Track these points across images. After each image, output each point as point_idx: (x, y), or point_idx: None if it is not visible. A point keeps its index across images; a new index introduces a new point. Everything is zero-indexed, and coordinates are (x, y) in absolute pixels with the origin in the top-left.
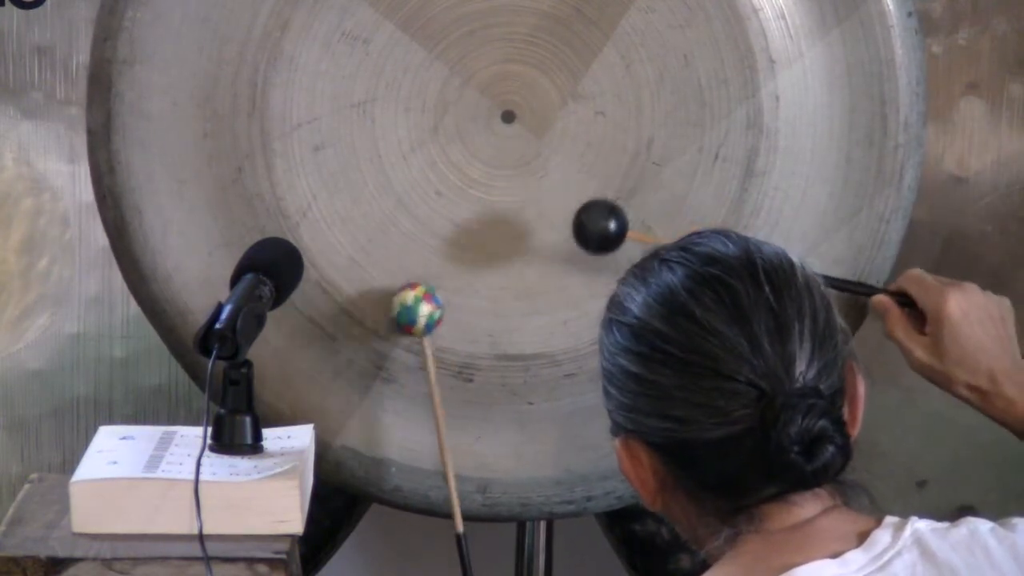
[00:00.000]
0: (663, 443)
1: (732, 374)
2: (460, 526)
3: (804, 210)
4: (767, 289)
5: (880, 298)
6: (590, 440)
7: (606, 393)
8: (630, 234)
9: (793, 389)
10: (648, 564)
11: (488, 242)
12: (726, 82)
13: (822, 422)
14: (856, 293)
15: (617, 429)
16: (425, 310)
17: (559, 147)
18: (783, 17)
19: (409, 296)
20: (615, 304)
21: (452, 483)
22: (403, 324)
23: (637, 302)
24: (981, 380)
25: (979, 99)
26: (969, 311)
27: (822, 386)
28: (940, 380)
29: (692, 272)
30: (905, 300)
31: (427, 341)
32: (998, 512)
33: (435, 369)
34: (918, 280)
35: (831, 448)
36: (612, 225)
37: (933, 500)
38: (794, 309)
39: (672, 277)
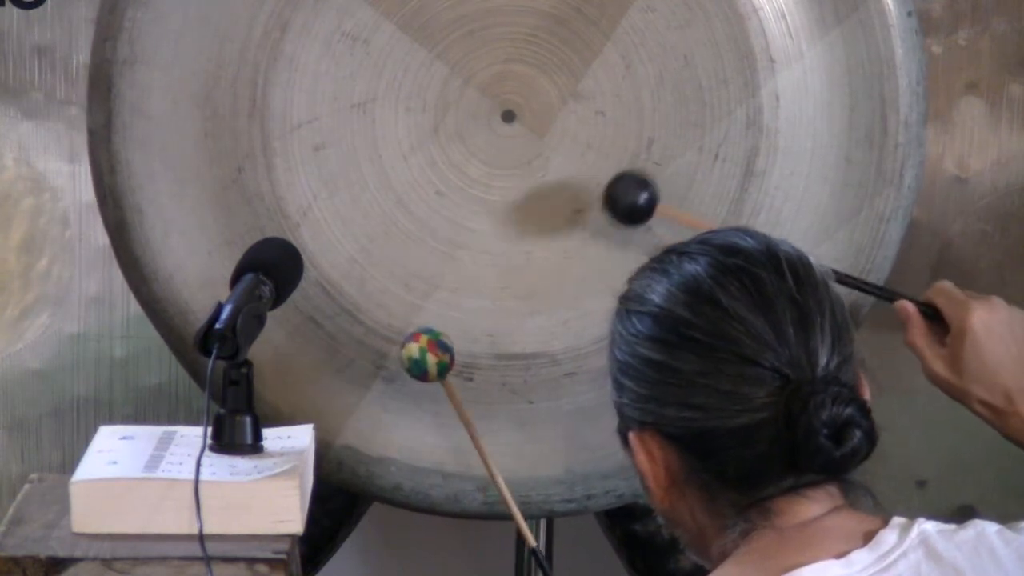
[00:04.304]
0: (681, 434)
1: (757, 359)
2: (532, 541)
3: (804, 210)
4: (790, 280)
5: (902, 303)
6: (591, 439)
7: (618, 387)
8: (660, 207)
9: (818, 377)
10: (648, 564)
11: (488, 241)
12: (726, 82)
13: (849, 409)
14: (880, 296)
15: (629, 423)
16: (432, 360)
17: (559, 147)
18: (783, 17)
19: (414, 349)
20: (632, 297)
21: (513, 506)
22: (417, 376)
23: (659, 292)
24: (997, 398)
25: (979, 99)
26: (993, 327)
27: (842, 378)
28: (956, 394)
29: (715, 262)
30: (931, 312)
31: (448, 383)
32: (998, 512)
33: (463, 405)
34: (946, 292)
35: (859, 433)
36: (643, 197)
37: (933, 500)
38: (815, 302)
39: (695, 267)
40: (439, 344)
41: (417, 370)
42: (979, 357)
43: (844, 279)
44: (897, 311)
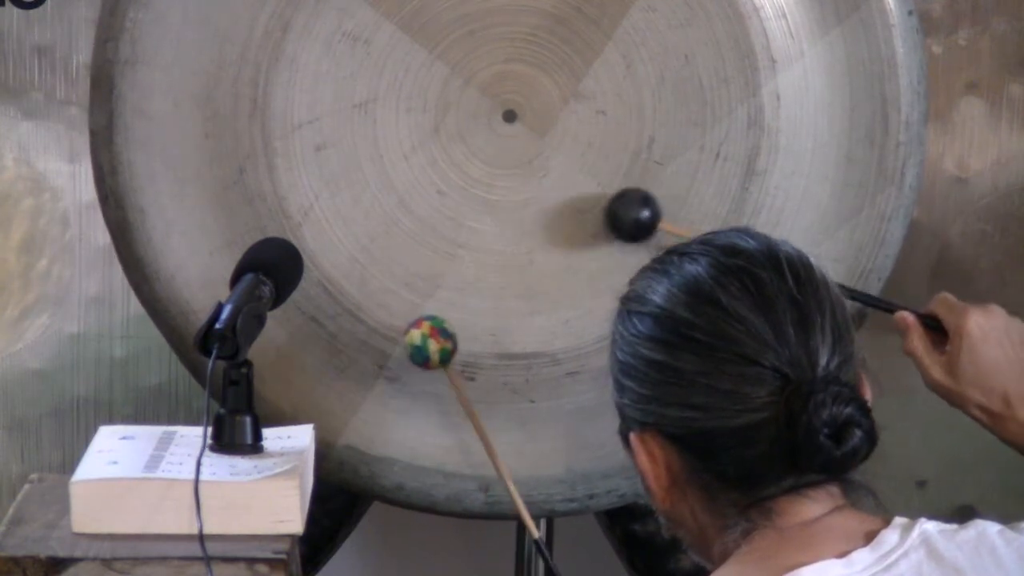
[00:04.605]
0: (683, 434)
1: (757, 359)
2: (536, 533)
3: (805, 209)
4: (791, 281)
5: (902, 314)
6: (592, 438)
7: (619, 387)
8: (663, 225)
9: (818, 376)
10: (648, 564)
11: (489, 241)
12: (727, 81)
13: (849, 408)
14: (881, 309)
15: (630, 424)
16: (434, 347)
17: (560, 146)
18: (784, 16)
19: (416, 336)
20: (633, 297)
21: (515, 494)
22: (418, 363)
23: (660, 292)
24: (995, 402)
25: (979, 99)
26: (989, 332)
27: (843, 378)
28: (954, 399)
29: (716, 262)
30: (932, 323)
31: (451, 371)
32: (998, 512)
33: (465, 392)
34: (944, 301)
35: (859, 433)
36: (646, 213)
37: (933, 500)
38: (815, 302)
39: (696, 268)
40: (441, 331)
41: (419, 357)
42: (975, 361)
43: (845, 292)
44: (896, 322)
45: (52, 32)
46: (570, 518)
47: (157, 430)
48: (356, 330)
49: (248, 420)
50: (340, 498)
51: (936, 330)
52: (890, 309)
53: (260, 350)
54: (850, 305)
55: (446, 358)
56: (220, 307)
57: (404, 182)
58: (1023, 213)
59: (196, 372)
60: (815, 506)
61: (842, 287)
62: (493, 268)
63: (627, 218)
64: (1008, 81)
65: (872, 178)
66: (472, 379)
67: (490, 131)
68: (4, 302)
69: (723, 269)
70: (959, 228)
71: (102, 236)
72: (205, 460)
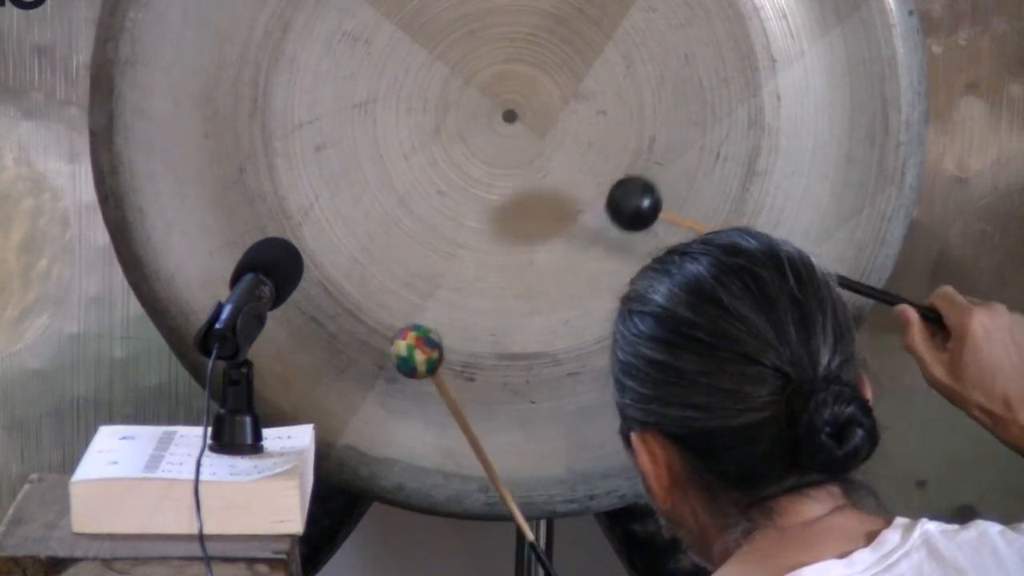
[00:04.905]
0: (684, 434)
1: (758, 358)
2: (530, 535)
3: (805, 209)
4: (792, 280)
5: (903, 308)
6: (592, 439)
7: (620, 387)
8: (663, 215)
9: (819, 376)
10: (648, 564)
11: (490, 241)
12: (727, 81)
13: (850, 408)
14: (881, 300)
15: (631, 424)
16: (420, 357)
17: (560, 146)
18: (784, 16)
19: (402, 347)
20: (634, 297)
21: (509, 499)
22: (405, 373)
23: (661, 292)
24: (995, 404)
25: (979, 99)
26: (993, 332)
27: (844, 377)
28: (955, 399)
29: (717, 261)
30: (933, 316)
31: (439, 378)
32: (998, 512)
33: (455, 398)
34: (947, 297)
35: (860, 432)
36: (646, 202)
37: (933, 500)
38: (816, 302)
39: (697, 267)
40: (427, 340)
41: (405, 367)
42: (978, 362)
43: (846, 283)
44: (896, 315)
45: (52, 32)
46: (570, 519)
47: (157, 430)
48: (356, 330)
49: (248, 420)
50: (340, 498)
51: (936, 323)
52: (890, 301)
53: (260, 350)
54: (851, 303)
55: (432, 368)
56: (220, 307)
57: (404, 182)
58: (1023, 213)
59: (196, 372)
60: (816, 506)
61: (841, 278)
62: (493, 268)
63: (628, 206)
64: (1008, 81)
65: (872, 178)
66: (472, 379)
67: (490, 131)
68: (4, 302)
69: (724, 268)
70: (959, 228)
71: (102, 236)
72: (205, 460)
